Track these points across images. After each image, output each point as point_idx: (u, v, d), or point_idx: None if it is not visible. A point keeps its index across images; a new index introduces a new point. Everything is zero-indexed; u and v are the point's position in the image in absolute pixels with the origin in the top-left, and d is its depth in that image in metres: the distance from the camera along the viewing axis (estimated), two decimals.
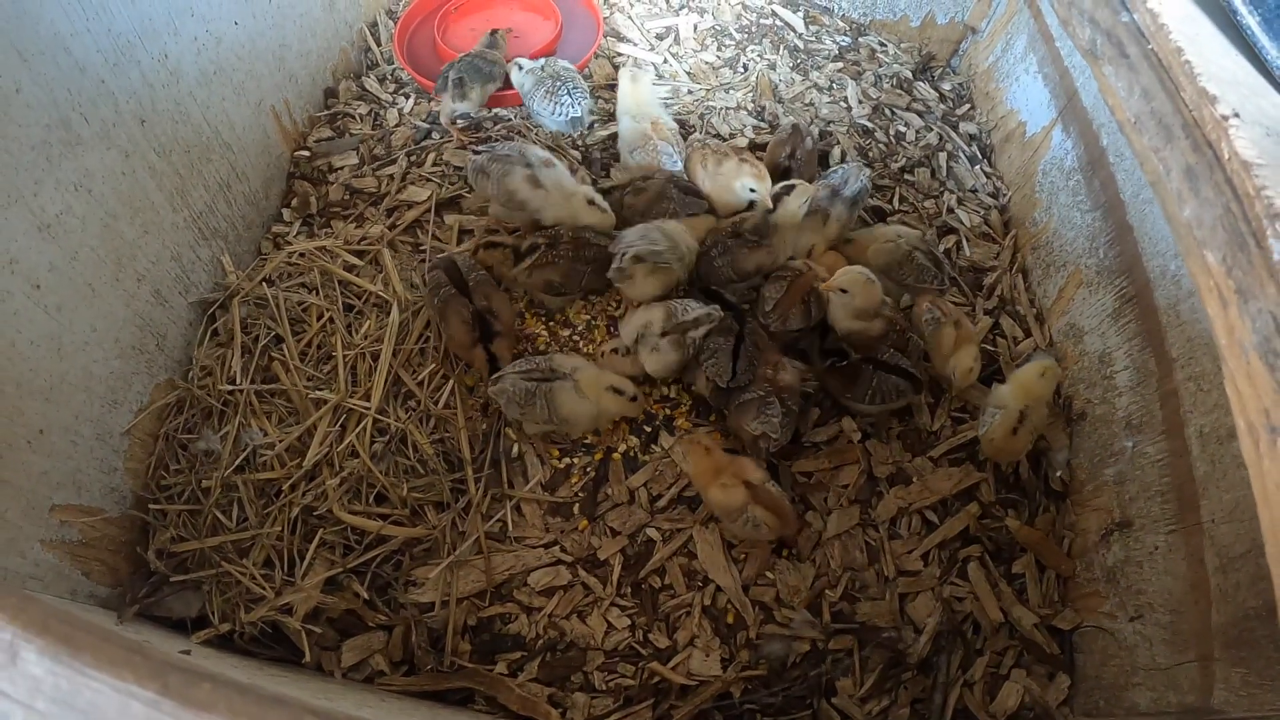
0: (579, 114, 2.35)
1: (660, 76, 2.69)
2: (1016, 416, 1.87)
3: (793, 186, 2.12)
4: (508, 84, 2.47)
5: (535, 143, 2.35)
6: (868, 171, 2.21)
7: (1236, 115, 1.12)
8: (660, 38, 2.83)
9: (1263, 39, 1.26)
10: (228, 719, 0.67)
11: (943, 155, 2.57)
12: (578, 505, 1.87)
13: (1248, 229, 1.05)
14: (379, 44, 2.74)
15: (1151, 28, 1.26)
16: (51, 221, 1.50)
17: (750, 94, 2.67)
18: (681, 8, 2.94)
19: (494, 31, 2.49)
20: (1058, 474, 1.98)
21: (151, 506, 1.78)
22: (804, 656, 1.75)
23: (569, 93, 2.32)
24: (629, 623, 1.76)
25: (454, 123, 2.39)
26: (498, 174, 2.04)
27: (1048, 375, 1.91)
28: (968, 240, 2.36)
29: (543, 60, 2.41)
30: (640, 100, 2.37)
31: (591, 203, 2.06)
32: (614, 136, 2.44)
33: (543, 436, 1.94)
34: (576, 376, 1.82)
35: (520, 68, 2.40)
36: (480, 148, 2.13)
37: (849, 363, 1.92)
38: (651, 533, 1.84)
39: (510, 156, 2.05)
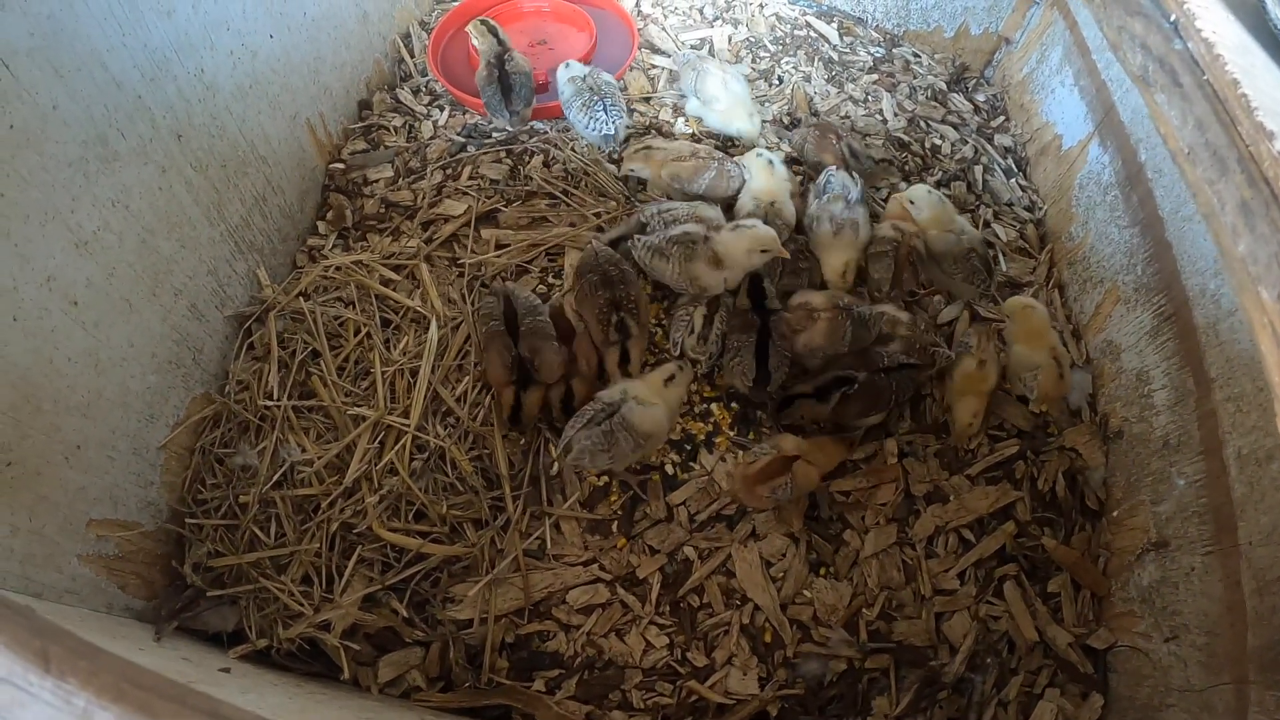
0: (612, 131, 2.35)
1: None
2: (1054, 365, 1.99)
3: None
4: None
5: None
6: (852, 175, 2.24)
7: None
8: (695, 49, 2.82)
9: None
10: None
11: (978, 169, 2.56)
12: (616, 523, 1.87)
13: None
14: (412, 55, 2.73)
15: (1207, 58, 1.25)
16: (89, 238, 1.51)
17: (785, 106, 2.66)
18: (716, 19, 2.93)
19: (482, 21, 2.47)
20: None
21: (188, 521, 1.78)
22: (840, 675, 1.75)
23: (605, 110, 2.32)
24: (667, 641, 1.76)
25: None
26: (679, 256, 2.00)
27: (1038, 309, 2.08)
28: (1004, 254, 2.34)
29: (587, 70, 2.40)
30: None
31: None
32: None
33: None
34: (631, 394, 1.80)
35: (568, 66, 2.41)
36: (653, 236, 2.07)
37: (860, 384, 1.88)
38: (689, 551, 1.84)
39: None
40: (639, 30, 2.80)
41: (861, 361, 1.93)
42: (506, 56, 2.37)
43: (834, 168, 2.25)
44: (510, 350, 1.88)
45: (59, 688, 0.68)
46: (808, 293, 2.01)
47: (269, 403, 1.89)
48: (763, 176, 2.25)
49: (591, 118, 2.33)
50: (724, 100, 2.43)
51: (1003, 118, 2.76)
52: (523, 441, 1.93)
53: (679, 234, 1.99)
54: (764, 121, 2.57)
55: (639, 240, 2.03)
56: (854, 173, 2.26)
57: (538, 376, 1.88)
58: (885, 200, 2.38)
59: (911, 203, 2.16)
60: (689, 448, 1.97)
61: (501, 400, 1.89)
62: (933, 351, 1.99)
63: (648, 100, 2.64)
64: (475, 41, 2.45)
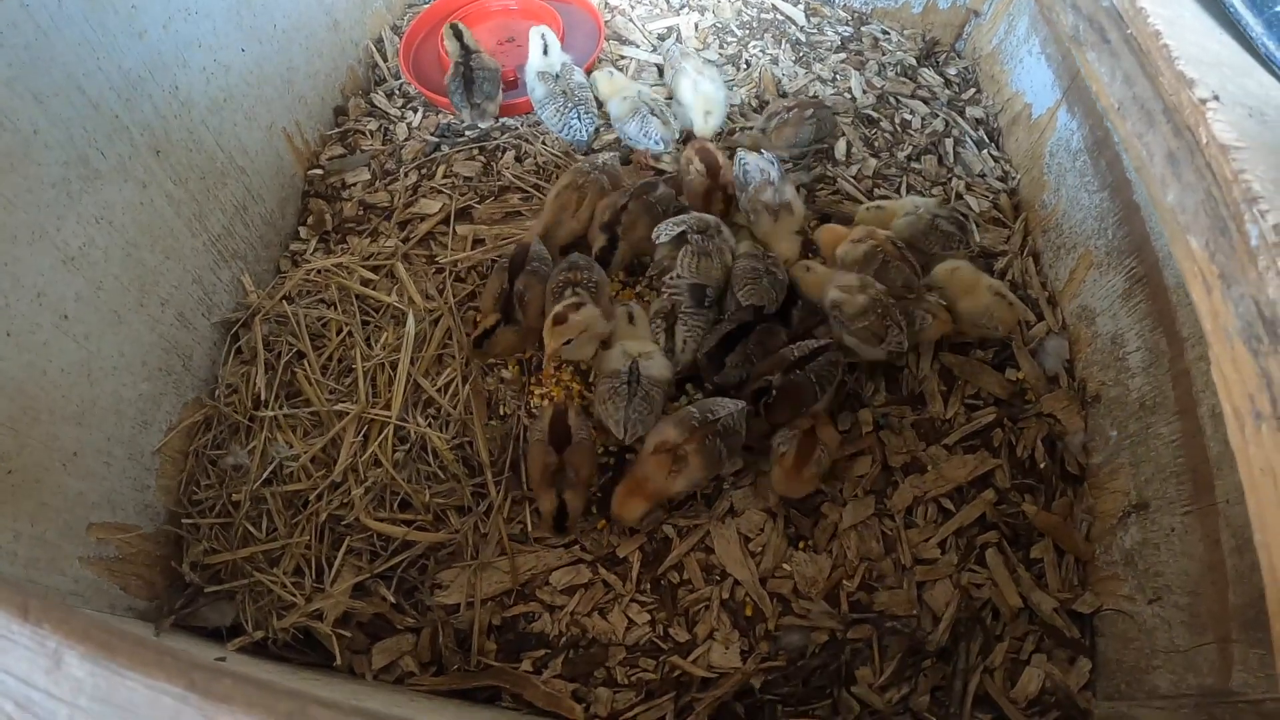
0: (584, 138, 2.42)
1: (660, 79, 2.72)
2: (999, 299, 2.01)
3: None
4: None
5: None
6: (762, 153, 2.23)
7: (1216, 98, 1.12)
8: (662, 38, 2.85)
9: (1245, 15, 1.26)
10: (244, 709, 0.73)
11: (949, 141, 2.56)
12: (595, 505, 1.90)
13: (1228, 213, 1.05)
14: (385, 59, 2.78)
15: (1130, 11, 1.26)
16: (75, 254, 1.57)
17: (754, 90, 2.68)
18: (682, 7, 2.95)
19: (453, 25, 2.53)
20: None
21: (184, 521, 1.84)
22: (823, 647, 1.76)
23: (579, 117, 2.38)
24: (649, 618, 1.79)
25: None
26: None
27: (962, 266, 2.06)
28: (978, 225, 2.34)
29: (559, 66, 2.44)
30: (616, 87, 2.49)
31: None
32: (619, 142, 2.52)
33: None
34: (632, 353, 1.87)
35: (542, 37, 2.45)
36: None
37: (780, 387, 1.84)
38: (668, 529, 1.87)
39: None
40: (606, 21, 2.84)
41: (774, 364, 1.88)
42: (473, 54, 2.44)
43: (742, 151, 2.23)
44: (503, 285, 1.96)
45: (35, 633, 0.76)
46: (659, 429, 1.81)
47: (260, 413, 1.95)
48: (605, 86, 2.50)
49: (565, 124, 2.39)
50: (688, 101, 2.48)
51: (974, 90, 2.76)
52: (502, 430, 1.97)
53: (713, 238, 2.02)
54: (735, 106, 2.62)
55: (739, 269, 2.01)
56: (763, 150, 2.25)
57: (518, 314, 1.95)
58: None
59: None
60: None
61: (482, 322, 1.96)
62: (886, 327, 1.91)
63: None
64: (447, 44, 2.51)
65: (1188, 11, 1.30)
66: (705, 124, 2.45)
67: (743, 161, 2.21)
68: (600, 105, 2.52)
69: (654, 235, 2.02)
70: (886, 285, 1.97)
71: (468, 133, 2.52)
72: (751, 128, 2.52)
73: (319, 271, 2.17)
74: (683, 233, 2.00)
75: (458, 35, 2.48)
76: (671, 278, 1.99)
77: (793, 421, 1.85)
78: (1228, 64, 1.24)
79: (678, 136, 2.45)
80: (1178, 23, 1.25)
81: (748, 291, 1.95)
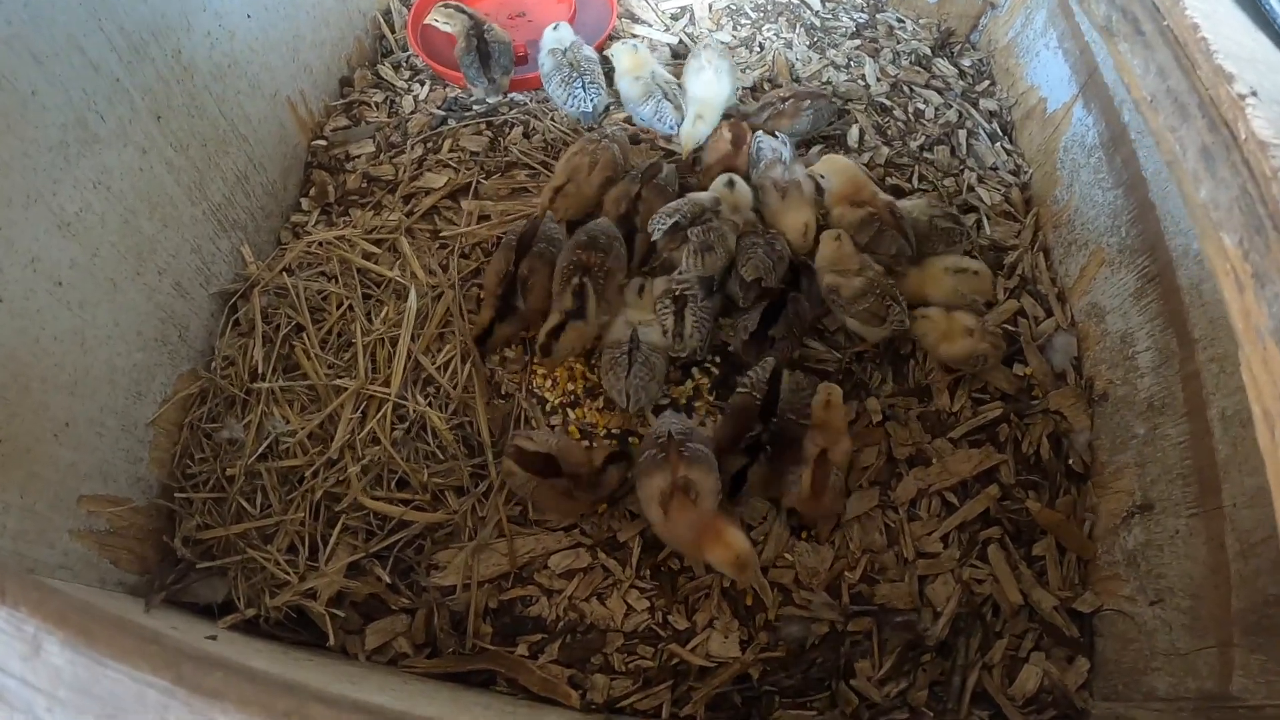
0: (590, 109, 2.38)
1: (676, 57, 2.69)
2: (976, 278, 2.08)
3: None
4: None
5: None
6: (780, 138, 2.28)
7: (1254, 94, 1.10)
8: (675, 18, 2.82)
9: None
10: (238, 707, 0.70)
11: (962, 133, 2.54)
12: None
13: (1265, 211, 1.03)
14: (393, 31, 2.74)
15: (1167, 3, 1.24)
16: (71, 219, 1.53)
17: (766, 73, 2.65)
18: None
19: (445, 5, 2.50)
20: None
21: (177, 495, 1.81)
22: (822, 638, 1.75)
23: (584, 87, 2.34)
24: (648, 605, 1.77)
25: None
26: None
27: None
28: (988, 219, 2.33)
29: (569, 43, 2.40)
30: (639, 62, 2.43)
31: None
32: (630, 121, 2.49)
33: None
34: (634, 321, 1.88)
35: (556, 28, 2.43)
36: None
37: (773, 440, 1.80)
38: None
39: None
40: (619, 0, 2.80)
41: (744, 417, 1.84)
42: (486, 27, 2.40)
43: (760, 133, 2.31)
44: (508, 264, 1.93)
45: (12, 616, 0.72)
46: (646, 489, 1.73)
47: (256, 386, 1.92)
48: (627, 60, 2.40)
49: (570, 94, 2.35)
50: (689, 88, 2.43)
51: (988, 82, 2.73)
52: (504, 409, 1.95)
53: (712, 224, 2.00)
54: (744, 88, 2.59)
55: (746, 261, 1.97)
56: (777, 133, 2.32)
57: (519, 301, 1.93)
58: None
59: (823, 176, 2.16)
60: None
61: (479, 319, 1.95)
62: (887, 307, 1.94)
63: None
64: (444, 27, 2.47)
65: (1223, 6, 1.27)
66: (686, 121, 2.38)
67: (759, 140, 2.26)
68: (611, 83, 2.49)
69: (649, 230, 2.00)
70: (880, 253, 2.02)
71: (475, 107, 2.48)
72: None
73: (320, 244, 2.13)
74: (676, 222, 1.97)
75: (460, 10, 2.45)
76: (679, 273, 1.98)
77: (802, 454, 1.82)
78: (1262, 60, 1.22)
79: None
80: (1214, 16, 1.22)
81: (750, 267, 1.94)
